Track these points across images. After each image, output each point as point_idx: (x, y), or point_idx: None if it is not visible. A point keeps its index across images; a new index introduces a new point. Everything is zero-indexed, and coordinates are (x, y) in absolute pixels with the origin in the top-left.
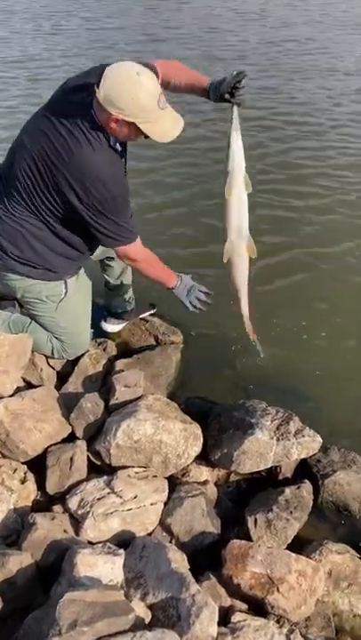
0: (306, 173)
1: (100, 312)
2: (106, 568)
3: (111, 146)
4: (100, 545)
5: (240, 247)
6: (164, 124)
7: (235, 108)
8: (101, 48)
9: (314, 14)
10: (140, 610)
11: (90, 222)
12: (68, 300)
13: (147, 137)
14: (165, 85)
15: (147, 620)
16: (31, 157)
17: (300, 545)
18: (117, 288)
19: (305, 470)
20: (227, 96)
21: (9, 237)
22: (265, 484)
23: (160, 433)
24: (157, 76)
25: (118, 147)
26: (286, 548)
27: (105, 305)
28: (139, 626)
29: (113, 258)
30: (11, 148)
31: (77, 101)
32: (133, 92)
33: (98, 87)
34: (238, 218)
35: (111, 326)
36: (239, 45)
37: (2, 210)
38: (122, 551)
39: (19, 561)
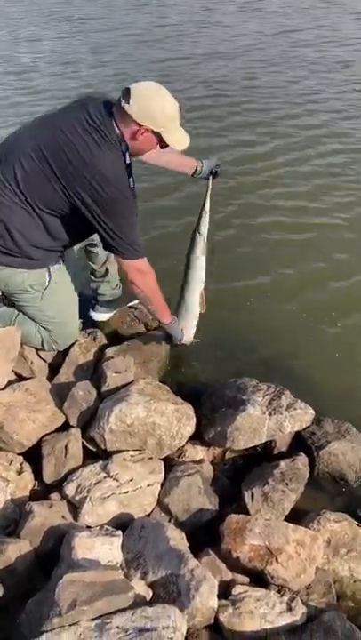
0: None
1: (88, 302)
2: (104, 549)
3: (125, 160)
4: (97, 527)
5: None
6: (179, 133)
7: (211, 180)
8: (94, 52)
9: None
10: (141, 588)
11: (99, 222)
12: (53, 287)
13: (163, 146)
14: (158, 160)
15: (148, 598)
16: (40, 153)
17: (298, 516)
18: (103, 275)
19: (300, 443)
20: (215, 170)
21: None
22: (261, 460)
23: (152, 415)
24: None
25: (130, 162)
26: (285, 520)
27: (92, 294)
28: (139, 603)
29: (96, 244)
30: (7, 140)
31: (97, 113)
32: (162, 105)
33: (127, 102)
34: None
35: (100, 315)
36: (238, 40)
37: None
38: (119, 532)
39: (17, 548)
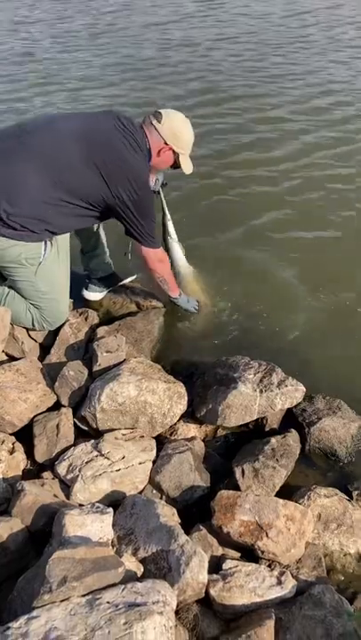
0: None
1: (80, 282)
2: (95, 527)
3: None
4: (88, 505)
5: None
6: (189, 160)
7: (162, 191)
8: (93, 36)
9: None
10: (132, 564)
11: (130, 217)
12: (47, 262)
13: (174, 168)
14: None
15: (139, 574)
16: (81, 144)
17: (290, 492)
18: (93, 249)
19: (291, 420)
20: (164, 182)
21: (5, 194)
22: (253, 437)
23: (144, 394)
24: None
25: None
26: (277, 496)
27: (84, 272)
28: (131, 579)
29: None
30: (39, 119)
31: (130, 123)
32: (186, 131)
33: (158, 122)
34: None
35: (93, 294)
36: (243, 20)
37: (10, 167)
38: (110, 509)
39: (8, 527)
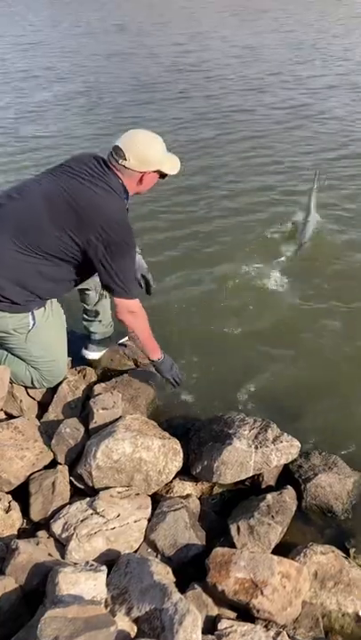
0: None
1: (81, 341)
2: (88, 585)
3: (126, 207)
4: (82, 563)
5: None
6: (170, 161)
7: None
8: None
9: None
10: (126, 624)
11: (102, 261)
12: (37, 329)
13: (163, 177)
14: None
15: (132, 634)
16: (48, 202)
17: (287, 550)
18: (95, 315)
19: (288, 477)
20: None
21: None
22: (249, 494)
23: (139, 450)
24: None
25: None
26: (273, 553)
27: (84, 332)
28: (124, 639)
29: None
30: (12, 188)
31: (97, 166)
32: (153, 147)
33: (123, 159)
34: None
35: (92, 354)
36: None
37: None
38: (104, 567)
39: (2, 586)
